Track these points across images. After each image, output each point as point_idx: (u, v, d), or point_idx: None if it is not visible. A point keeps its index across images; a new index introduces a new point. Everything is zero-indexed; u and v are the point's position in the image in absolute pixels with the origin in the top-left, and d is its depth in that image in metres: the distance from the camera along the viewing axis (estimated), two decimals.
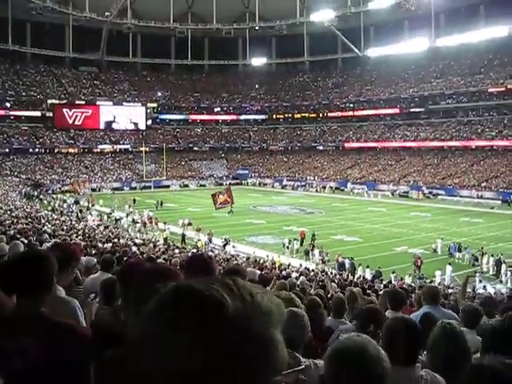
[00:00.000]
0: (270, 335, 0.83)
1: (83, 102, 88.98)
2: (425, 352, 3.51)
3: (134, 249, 20.08)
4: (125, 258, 11.57)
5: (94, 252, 14.82)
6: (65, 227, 28.89)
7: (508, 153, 69.28)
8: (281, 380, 0.83)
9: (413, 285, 22.55)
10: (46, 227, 23.52)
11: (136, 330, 0.84)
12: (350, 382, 1.79)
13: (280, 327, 0.86)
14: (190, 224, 39.17)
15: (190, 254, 26.46)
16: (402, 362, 2.85)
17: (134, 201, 53.72)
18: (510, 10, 75.90)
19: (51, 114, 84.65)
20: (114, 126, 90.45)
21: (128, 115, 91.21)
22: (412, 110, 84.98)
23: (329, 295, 8.84)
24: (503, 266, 27.64)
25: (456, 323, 3.67)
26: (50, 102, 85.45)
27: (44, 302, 2.20)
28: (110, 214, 46.71)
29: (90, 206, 51.99)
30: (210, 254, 28.69)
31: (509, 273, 26.78)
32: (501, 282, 26.75)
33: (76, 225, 33.02)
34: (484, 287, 24.34)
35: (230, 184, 65.58)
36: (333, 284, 14.51)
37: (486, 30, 79.44)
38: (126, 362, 0.87)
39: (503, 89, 74.49)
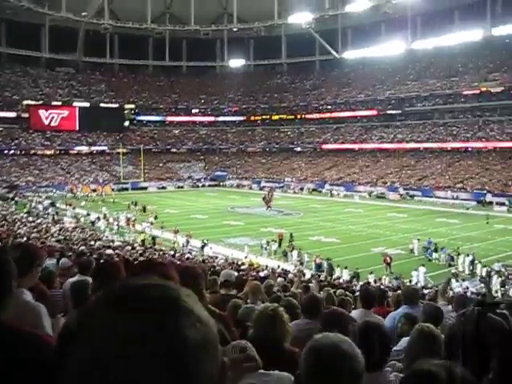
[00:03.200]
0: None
1: (60, 103, 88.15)
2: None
3: (110, 251, 19.82)
4: (101, 261, 11.41)
5: (69, 254, 14.61)
6: (40, 230, 28.58)
7: (482, 154, 70.17)
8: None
9: (390, 285, 22.63)
10: (20, 230, 23.22)
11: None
12: (325, 379, 1.75)
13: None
14: (177, 231, 38.27)
15: (167, 255, 26.33)
16: (371, 367, 2.79)
17: (144, 209, 51.98)
18: (484, 14, 77.15)
19: (27, 115, 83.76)
20: (91, 127, 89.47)
21: (105, 116, 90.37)
22: (389, 111, 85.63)
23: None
24: (478, 266, 27.92)
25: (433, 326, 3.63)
26: (25, 102, 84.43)
27: (4, 309, 2.08)
28: (87, 216, 46.30)
29: (68, 207, 51.46)
30: (188, 255, 28.58)
31: (484, 272, 27.01)
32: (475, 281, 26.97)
33: (52, 227, 32.66)
34: (462, 287, 24.63)
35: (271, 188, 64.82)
36: (312, 284, 14.47)
37: (460, 34, 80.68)
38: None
39: (478, 91, 75.45)
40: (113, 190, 71.69)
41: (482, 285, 25.91)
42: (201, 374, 0.77)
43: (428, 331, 3.38)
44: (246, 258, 29.81)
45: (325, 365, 1.77)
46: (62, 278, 7.18)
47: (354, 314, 6.60)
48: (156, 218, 44.31)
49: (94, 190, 68.18)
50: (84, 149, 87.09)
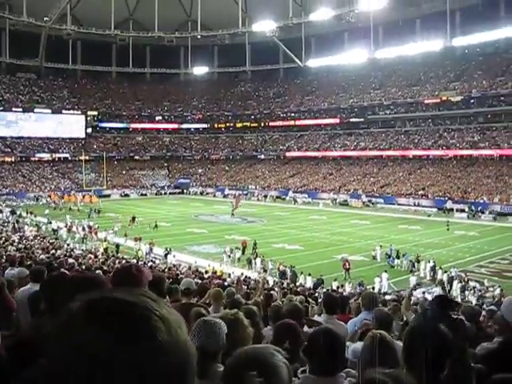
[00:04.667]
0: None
1: (20, 110, 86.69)
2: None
3: (71, 260, 19.53)
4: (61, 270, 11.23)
5: (28, 263, 14.35)
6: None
7: (443, 162, 71.39)
8: None
9: (352, 292, 22.78)
10: None
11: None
12: None
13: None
14: (139, 239, 37.80)
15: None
16: (324, 373, 2.82)
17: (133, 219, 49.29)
18: (444, 25, 78.65)
19: None
20: (53, 134, 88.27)
21: (67, 123, 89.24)
22: (352, 119, 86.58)
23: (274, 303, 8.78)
24: (439, 272, 28.32)
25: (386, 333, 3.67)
26: None
27: None
28: (48, 224, 45.55)
29: (29, 215, 50.55)
30: (151, 264, 28.36)
31: (445, 277, 27.41)
32: (436, 286, 27.32)
33: (12, 236, 32.04)
34: (423, 293, 24.95)
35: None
36: (274, 292, 14.47)
37: (422, 44, 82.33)
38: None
39: (438, 100, 76.87)
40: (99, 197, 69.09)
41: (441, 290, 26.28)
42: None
43: (379, 338, 3.41)
44: (209, 265, 29.68)
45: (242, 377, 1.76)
46: (20, 287, 7.04)
47: (318, 320, 6.65)
48: (156, 226, 44.47)
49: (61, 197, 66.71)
50: (46, 156, 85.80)
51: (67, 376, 0.72)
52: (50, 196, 69.16)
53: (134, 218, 47.53)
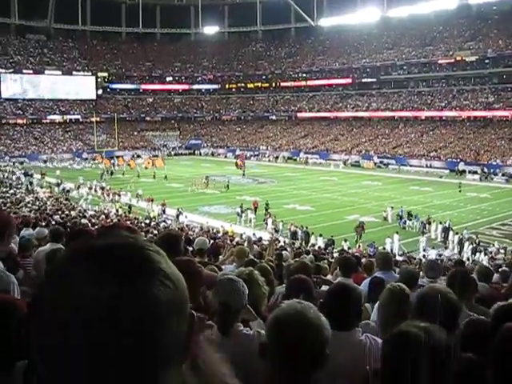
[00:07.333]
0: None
1: (31, 72, 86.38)
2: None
3: (84, 221, 19.71)
4: (74, 228, 11.33)
5: (44, 224, 14.50)
6: (14, 200, 28.30)
7: (456, 123, 70.72)
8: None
9: (364, 252, 22.90)
10: None
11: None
12: (290, 349, 1.76)
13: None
14: (152, 200, 37.95)
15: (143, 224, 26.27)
16: (341, 327, 2.86)
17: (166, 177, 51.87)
18: None
19: None
20: (64, 96, 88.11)
21: (78, 85, 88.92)
22: (364, 80, 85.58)
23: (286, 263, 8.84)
24: (450, 233, 28.36)
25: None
26: None
27: None
28: (59, 185, 45.67)
29: (41, 177, 50.77)
30: (163, 224, 28.57)
31: (456, 239, 27.46)
32: (446, 248, 27.42)
33: (26, 197, 32.30)
34: (424, 250, 25.25)
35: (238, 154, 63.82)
36: (286, 252, 14.53)
37: (436, 1, 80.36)
38: None
39: (452, 60, 75.64)
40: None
41: (455, 251, 26.39)
42: (169, 334, 0.74)
43: (399, 290, 3.44)
44: (221, 226, 29.83)
45: (289, 336, 1.77)
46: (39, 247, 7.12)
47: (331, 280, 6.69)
48: (228, 187, 45.63)
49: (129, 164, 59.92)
50: (57, 118, 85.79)
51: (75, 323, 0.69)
52: (96, 159, 65.74)
53: (207, 178, 47.55)
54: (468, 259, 23.47)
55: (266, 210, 34.25)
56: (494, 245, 26.16)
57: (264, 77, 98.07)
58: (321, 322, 1.81)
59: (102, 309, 0.69)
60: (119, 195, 40.78)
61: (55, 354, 0.68)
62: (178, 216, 33.23)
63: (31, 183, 45.96)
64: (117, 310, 0.69)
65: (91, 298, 0.69)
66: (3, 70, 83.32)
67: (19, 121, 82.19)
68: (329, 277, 7.96)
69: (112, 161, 61.57)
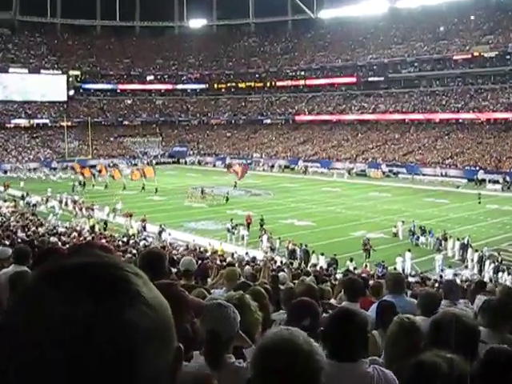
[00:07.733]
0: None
1: None
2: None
3: (54, 239, 19.60)
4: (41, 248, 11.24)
5: (8, 243, 14.43)
6: None
7: (474, 126, 71.00)
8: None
9: (371, 273, 22.83)
10: None
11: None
12: (279, 380, 1.71)
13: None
14: (130, 216, 37.85)
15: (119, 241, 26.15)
16: (344, 357, 2.86)
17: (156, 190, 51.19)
18: None
19: None
20: (31, 97, 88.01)
21: (46, 85, 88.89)
22: (370, 78, 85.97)
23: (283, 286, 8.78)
24: (469, 250, 28.32)
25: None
26: None
27: None
28: (23, 198, 45.43)
29: (4, 189, 50.56)
30: (143, 242, 28.45)
31: (476, 257, 27.42)
32: (466, 267, 27.40)
33: None
34: (442, 270, 25.25)
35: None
36: (283, 273, 14.48)
37: None
38: None
39: (469, 56, 76.10)
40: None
41: (475, 271, 26.39)
42: (147, 365, 0.75)
43: (408, 323, 3.43)
44: (209, 244, 29.74)
45: (277, 364, 1.71)
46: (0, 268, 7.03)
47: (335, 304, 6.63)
48: (227, 199, 45.79)
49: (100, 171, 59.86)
50: (23, 122, 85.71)
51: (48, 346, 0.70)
52: (75, 169, 63.41)
53: (202, 191, 47.90)
54: (490, 280, 23.42)
55: (261, 225, 34.14)
56: None
57: (257, 75, 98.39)
58: (312, 347, 1.76)
59: (78, 327, 0.70)
60: (93, 209, 40.58)
61: (31, 372, 0.70)
62: (160, 233, 33.11)
63: None
64: (92, 329, 0.71)
65: (66, 317, 0.71)
66: None
67: None
68: (332, 301, 7.89)
69: (92, 171, 59.89)
